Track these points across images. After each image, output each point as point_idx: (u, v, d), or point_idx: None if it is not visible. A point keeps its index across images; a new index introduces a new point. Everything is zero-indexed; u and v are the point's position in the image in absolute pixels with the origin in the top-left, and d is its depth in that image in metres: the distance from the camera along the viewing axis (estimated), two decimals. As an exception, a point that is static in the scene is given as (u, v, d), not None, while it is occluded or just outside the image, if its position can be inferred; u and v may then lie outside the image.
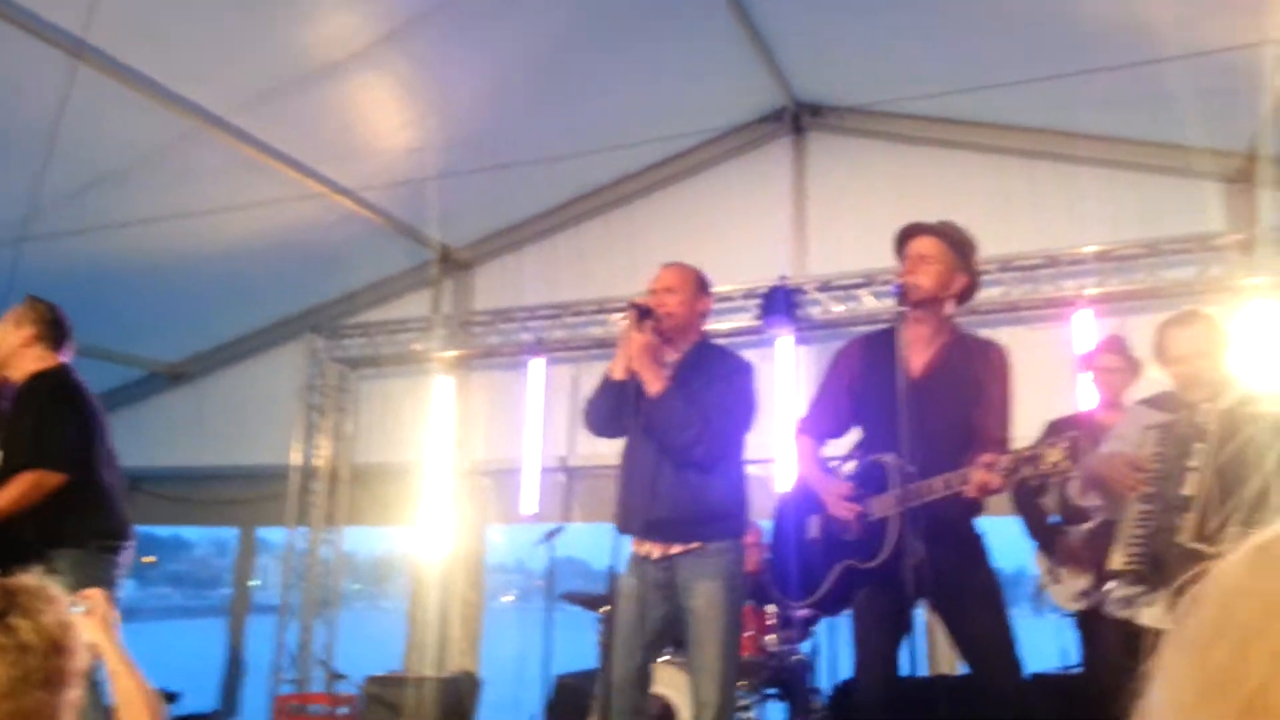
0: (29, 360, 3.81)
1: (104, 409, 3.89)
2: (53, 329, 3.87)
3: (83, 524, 3.66)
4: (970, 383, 3.01)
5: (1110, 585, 3.15)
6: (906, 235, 3.15)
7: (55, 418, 3.65)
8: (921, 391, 2.91)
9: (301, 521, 7.61)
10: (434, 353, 7.55)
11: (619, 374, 3.28)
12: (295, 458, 7.62)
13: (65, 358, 3.89)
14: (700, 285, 3.44)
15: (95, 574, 3.61)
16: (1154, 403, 3.18)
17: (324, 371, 7.85)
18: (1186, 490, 2.84)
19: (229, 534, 8.50)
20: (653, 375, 3.20)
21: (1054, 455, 2.57)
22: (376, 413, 7.82)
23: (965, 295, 3.14)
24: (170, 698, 6.09)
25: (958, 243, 3.11)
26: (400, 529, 7.69)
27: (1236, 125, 5.41)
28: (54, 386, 3.76)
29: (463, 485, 7.42)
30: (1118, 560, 2.97)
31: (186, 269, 6.92)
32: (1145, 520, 2.93)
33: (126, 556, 3.80)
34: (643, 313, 3.24)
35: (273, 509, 7.67)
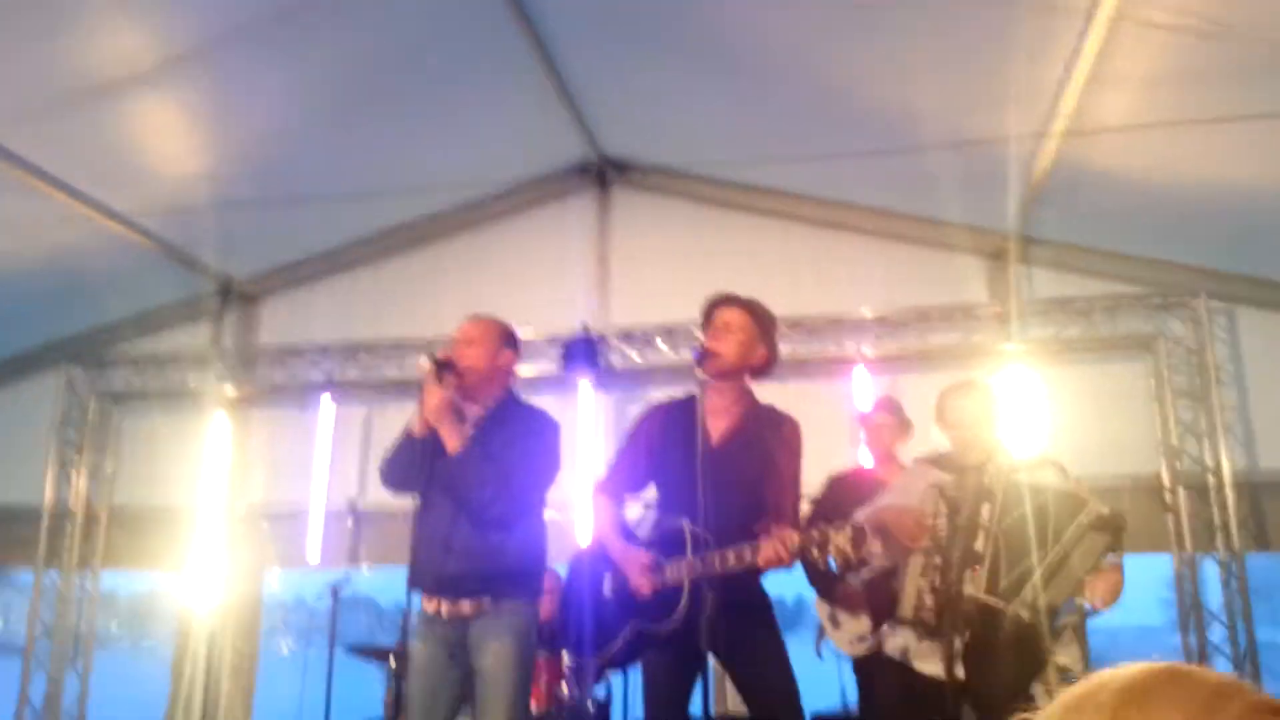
0: None
1: None
2: None
3: None
4: (765, 453, 3.14)
5: (884, 630, 3.35)
6: (714, 305, 3.27)
7: None
8: (718, 459, 3.02)
9: (51, 564, 6.96)
10: (210, 389, 7.10)
11: (419, 430, 3.19)
12: (47, 496, 6.98)
13: None
14: (504, 338, 3.39)
15: None
16: (935, 462, 3.42)
17: (82, 404, 7.22)
18: (978, 546, 3.06)
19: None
20: (450, 432, 3.14)
21: (840, 539, 2.70)
22: (142, 451, 7.26)
23: (763, 369, 3.27)
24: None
25: (761, 317, 3.25)
26: (166, 574, 7.14)
27: (995, 207, 5.99)
28: None
29: (238, 529, 6.99)
30: (906, 609, 3.16)
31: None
32: (931, 573, 3.13)
33: None
34: (441, 366, 3.16)
35: (21, 550, 6.98)
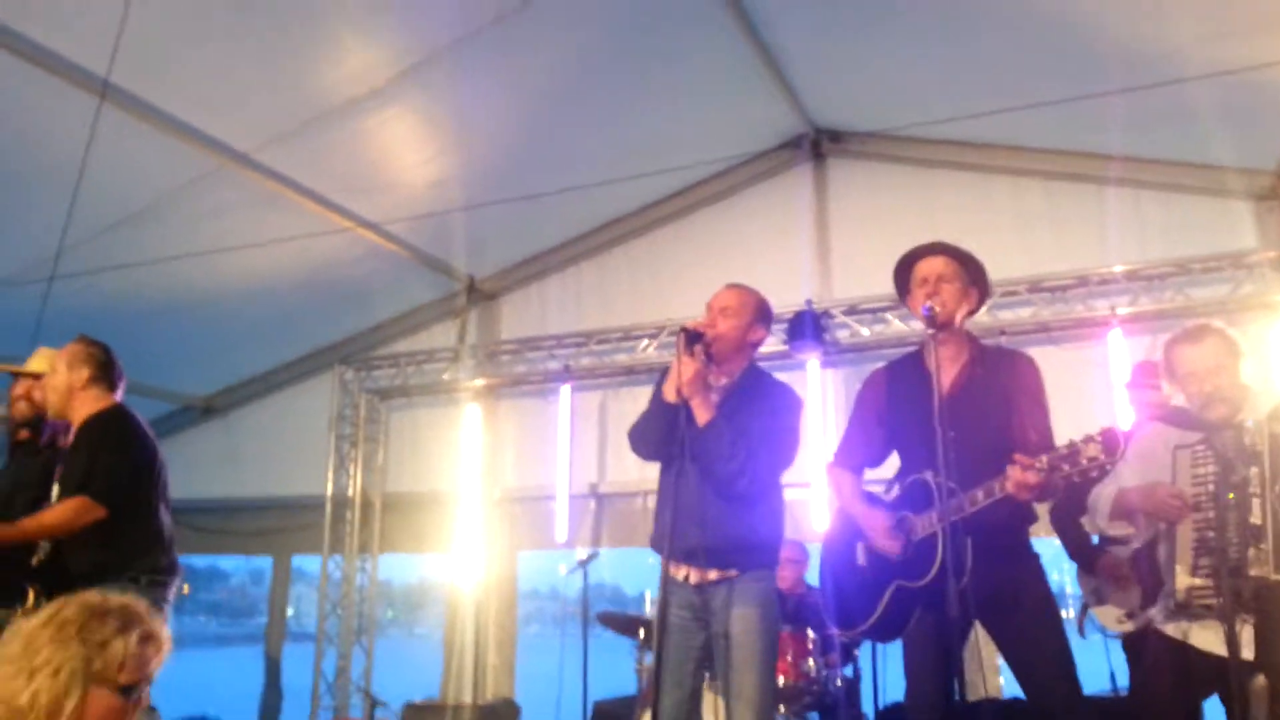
0: (87, 401, 3.85)
1: (160, 449, 3.93)
2: (106, 369, 3.92)
3: (136, 559, 3.72)
4: (1000, 394, 3.01)
5: (1155, 609, 3.09)
6: (911, 259, 3.18)
7: (109, 454, 3.70)
8: (953, 408, 2.90)
9: (336, 550, 7.67)
10: (461, 382, 7.60)
11: (671, 396, 3.21)
12: (328, 487, 7.70)
13: (119, 396, 3.94)
14: (760, 311, 3.37)
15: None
16: (1171, 420, 3.11)
17: (354, 402, 7.93)
18: (1254, 518, 2.75)
19: (264, 563, 8.56)
20: (702, 403, 3.17)
21: (1091, 450, 2.54)
22: (406, 442, 7.89)
23: (975, 310, 3.17)
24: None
25: (966, 258, 3.14)
26: (433, 556, 7.75)
27: (1264, 143, 5.43)
28: (111, 424, 3.81)
29: (493, 512, 7.46)
30: (1184, 589, 2.87)
31: (214, 304, 7.01)
32: (1205, 549, 2.84)
33: (173, 591, 3.85)
34: (692, 337, 3.17)
35: (307, 538, 7.76)
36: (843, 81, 6.31)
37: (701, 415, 3.16)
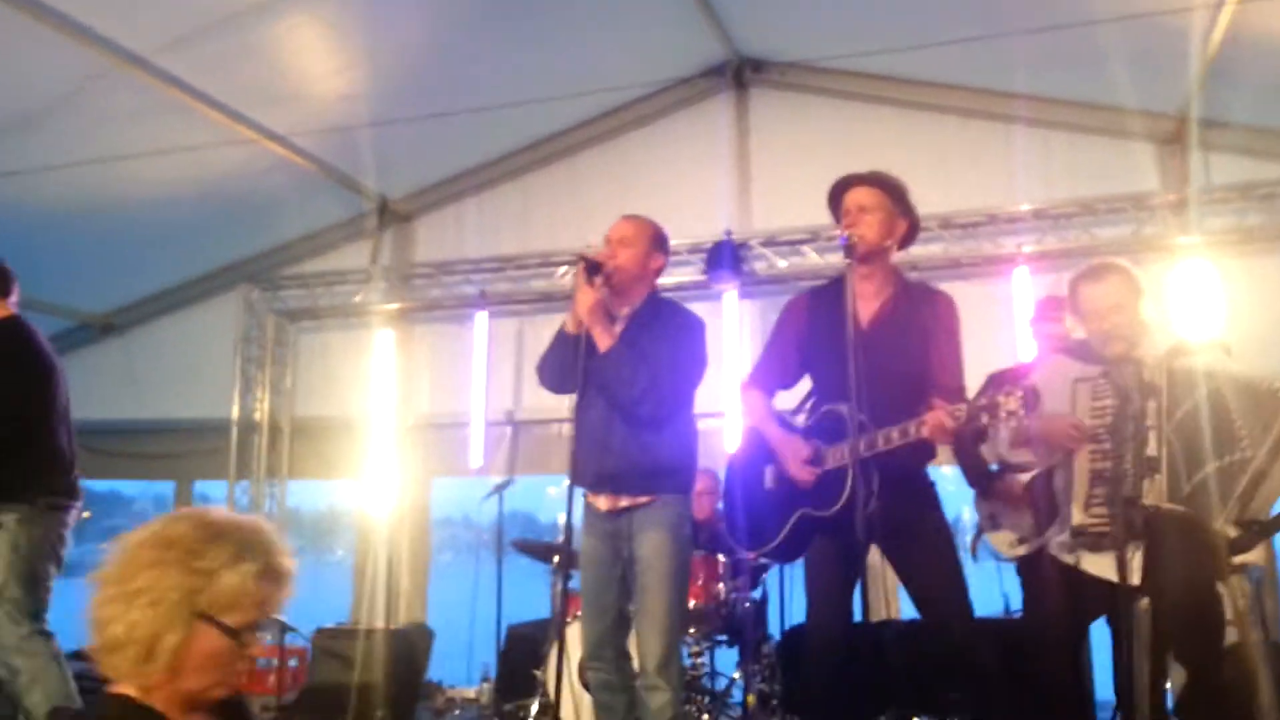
0: None
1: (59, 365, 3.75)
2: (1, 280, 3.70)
3: (31, 481, 3.57)
4: (919, 331, 3.05)
5: (1050, 532, 3.21)
6: (841, 188, 3.17)
7: (1, 370, 3.51)
8: (871, 341, 2.96)
9: (242, 475, 7.52)
10: (374, 305, 7.45)
11: (571, 328, 3.28)
12: (234, 411, 7.52)
13: (14, 308, 3.73)
14: (656, 240, 3.42)
15: (41, 531, 3.54)
16: (1073, 353, 3.18)
17: (261, 324, 7.70)
18: (1150, 450, 2.85)
19: (166, 488, 8.32)
20: (602, 331, 3.21)
21: (1010, 403, 2.63)
22: (316, 366, 7.72)
23: (907, 240, 3.20)
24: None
25: (893, 189, 3.12)
26: (343, 483, 7.65)
27: (1168, 88, 5.58)
28: (2, 338, 3.61)
29: (406, 439, 7.38)
30: (1079, 518, 2.96)
31: (112, 216, 6.72)
32: (1101, 479, 2.94)
33: (73, 515, 3.72)
34: (592, 268, 3.22)
35: (212, 463, 7.58)
36: (767, 10, 6.26)
37: (603, 343, 3.21)
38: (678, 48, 6.67)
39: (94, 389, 7.35)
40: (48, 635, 3.55)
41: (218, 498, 7.79)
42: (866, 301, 3.09)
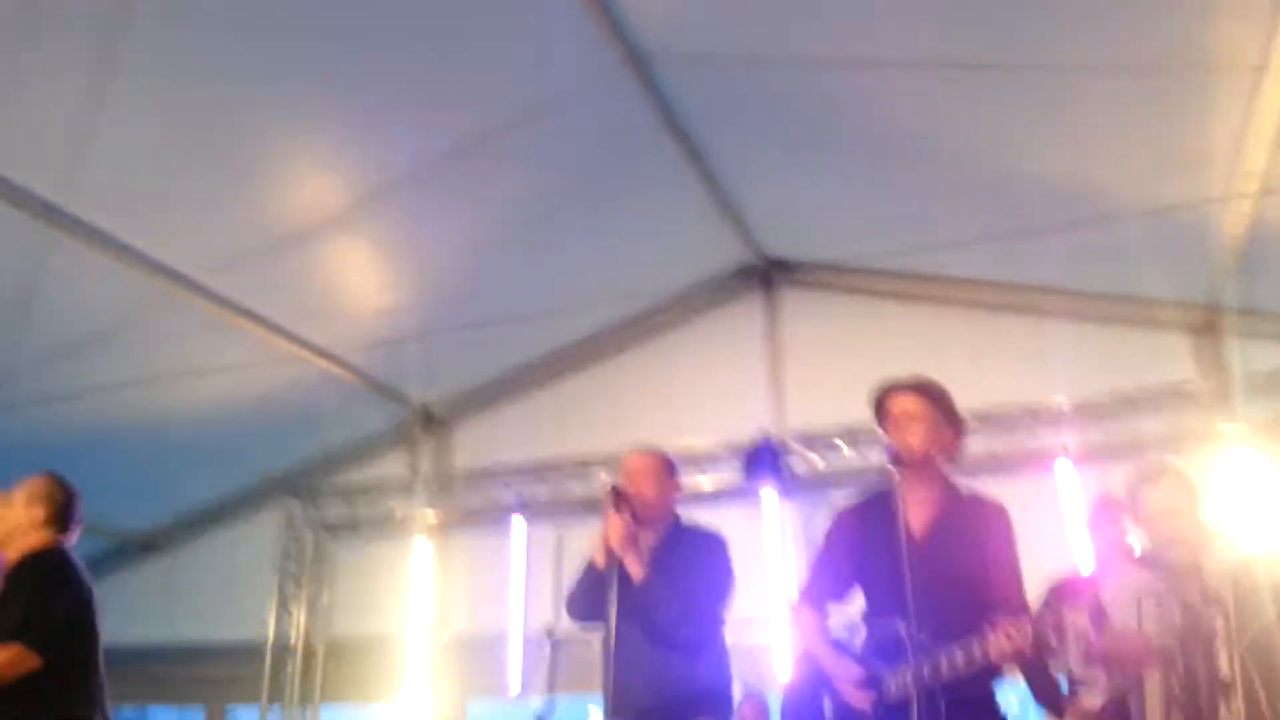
0: (30, 537, 3.67)
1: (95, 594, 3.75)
2: (63, 513, 3.74)
3: (67, 710, 3.49)
4: (973, 539, 2.91)
5: None
6: (885, 395, 3.14)
7: (48, 599, 3.50)
8: (925, 552, 2.84)
9: (274, 699, 7.31)
10: (413, 514, 7.41)
11: (602, 561, 3.30)
12: (269, 632, 7.40)
13: (68, 540, 3.77)
14: (669, 469, 3.57)
15: None
16: (1137, 562, 3.12)
17: (300, 538, 7.69)
18: (1223, 671, 2.71)
19: (196, 715, 8.06)
20: (634, 560, 3.25)
21: (1079, 620, 2.46)
22: (353, 580, 7.64)
23: (954, 448, 3.12)
24: None
25: (937, 396, 3.07)
26: (378, 706, 7.39)
27: (1197, 277, 5.60)
28: (48, 567, 3.62)
29: (442, 658, 7.16)
30: None
31: (158, 434, 6.85)
32: (1176, 705, 2.79)
33: None
34: (620, 497, 3.30)
35: (244, 687, 7.40)
36: (790, 214, 6.48)
37: (635, 571, 3.24)
38: (706, 251, 6.88)
39: (131, 611, 7.29)
40: None
41: (249, 721, 7.52)
42: (917, 510, 2.99)
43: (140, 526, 8.05)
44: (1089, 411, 5.93)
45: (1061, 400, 5.97)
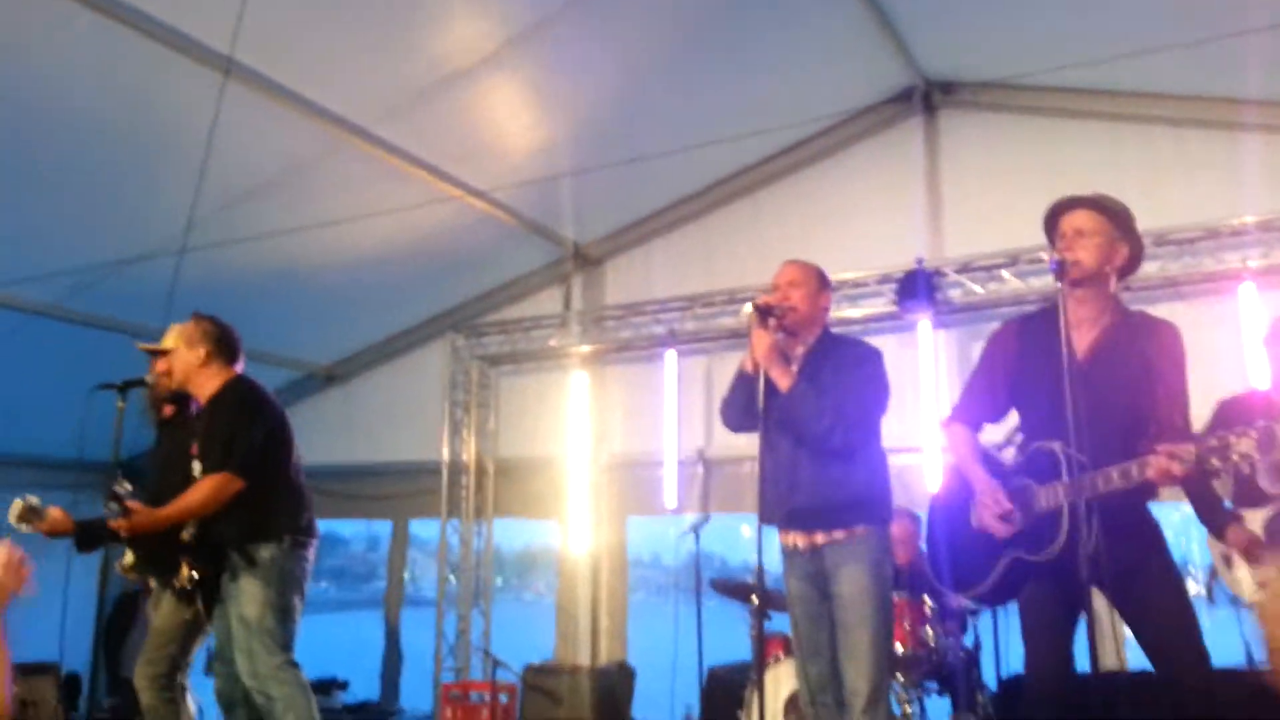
0: (209, 377, 3.99)
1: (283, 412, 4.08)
2: (222, 344, 4.04)
3: (279, 521, 3.86)
4: (1140, 365, 2.84)
5: None
6: (1058, 211, 3.00)
7: (241, 426, 3.84)
8: (1088, 374, 2.78)
9: (453, 514, 7.89)
10: (568, 348, 7.70)
11: (749, 367, 3.36)
12: (444, 453, 7.91)
13: (240, 368, 4.10)
14: (822, 280, 3.53)
15: (290, 567, 3.84)
16: None
17: (465, 369, 8.10)
18: None
19: (381, 528, 8.84)
20: (780, 372, 3.27)
21: (1244, 445, 2.41)
22: (516, 408, 8.06)
23: (1129, 268, 2.99)
24: (340, 686, 6.42)
25: (1115, 213, 2.93)
26: (542, 522, 7.91)
27: None
28: (235, 396, 3.96)
29: (602, 479, 7.56)
30: None
31: (332, 274, 7.24)
32: None
33: (313, 551, 4.00)
34: (764, 312, 3.30)
35: (424, 503, 8.00)
36: (954, 30, 6.09)
37: (783, 383, 3.26)
38: (862, 76, 6.60)
39: (318, 435, 7.95)
40: (296, 665, 3.83)
41: (424, 537, 8.17)
42: (1082, 331, 2.92)
43: (321, 360, 8.65)
44: (1276, 230, 5.51)
45: (1247, 219, 5.56)
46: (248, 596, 3.76)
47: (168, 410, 4.34)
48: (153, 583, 4.09)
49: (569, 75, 5.91)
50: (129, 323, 6.27)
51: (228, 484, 3.76)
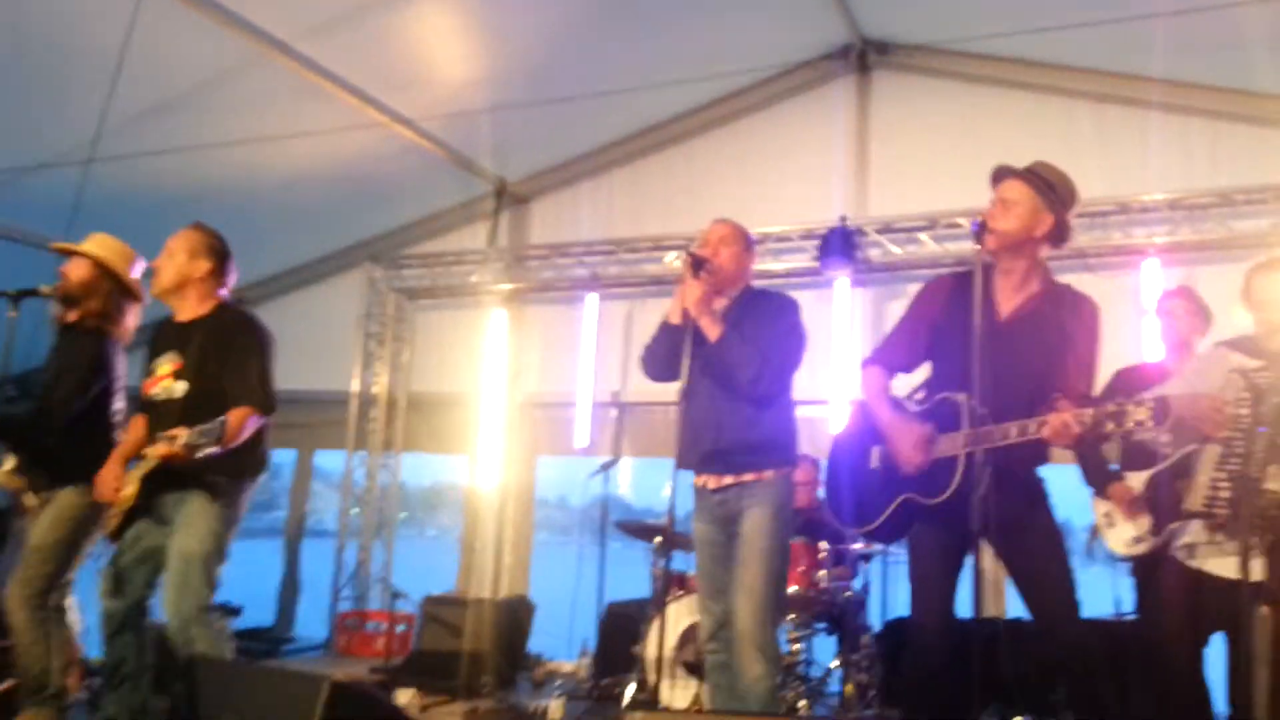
0: (203, 296, 3.71)
1: None
2: (224, 264, 3.77)
3: (255, 457, 3.66)
4: (1058, 334, 2.94)
5: (1172, 529, 3.16)
6: (995, 178, 3.09)
7: (262, 359, 3.62)
8: (1005, 336, 2.88)
9: (360, 446, 7.80)
10: (489, 285, 7.63)
11: (676, 318, 3.44)
12: (354, 384, 7.81)
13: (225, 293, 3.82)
14: (748, 240, 3.66)
15: (240, 499, 3.65)
16: (1235, 346, 3.15)
17: (382, 300, 7.98)
18: None
19: (285, 457, 8.69)
20: (710, 322, 3.38)
21: (1139, 414, 2.52)
22: (433, 343, 7.98)
23: (1056, 238, 3.08)
24: (233, 612, 6.33)
25: (1045, 185, 3.00)
26: (448, 459, 7.91)
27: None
28: (256, 326, 3.72)
29: (514, 417, 7.54)
30: (1196, 501, 2.95)
31: (248, 195, 7.00)
32: (1228, 465, 2.91)
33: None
34: (697, 262, 3.40)
35: (330, 434, 7.89)
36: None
37: (712, 332, 3.38)
38: (799, 31, 6.61)
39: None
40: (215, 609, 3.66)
41: (328, 468, 8.08)
42: (1009, 295, 3.03)
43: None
44: (1184, 209, 5.72)
45: (1156, 196, 5.76)
46: (200, 530, 3.52)
47: (70, 316, 4.11)
48: (31, 497, 3.87)
49: (507, 8, 5.79)
50: (32, 232, 6.01)
51: (255, 420, 3.52)
